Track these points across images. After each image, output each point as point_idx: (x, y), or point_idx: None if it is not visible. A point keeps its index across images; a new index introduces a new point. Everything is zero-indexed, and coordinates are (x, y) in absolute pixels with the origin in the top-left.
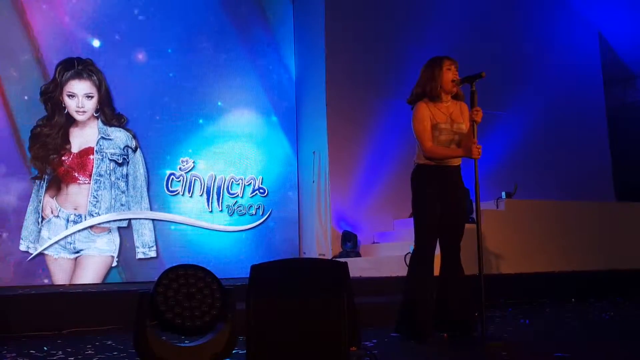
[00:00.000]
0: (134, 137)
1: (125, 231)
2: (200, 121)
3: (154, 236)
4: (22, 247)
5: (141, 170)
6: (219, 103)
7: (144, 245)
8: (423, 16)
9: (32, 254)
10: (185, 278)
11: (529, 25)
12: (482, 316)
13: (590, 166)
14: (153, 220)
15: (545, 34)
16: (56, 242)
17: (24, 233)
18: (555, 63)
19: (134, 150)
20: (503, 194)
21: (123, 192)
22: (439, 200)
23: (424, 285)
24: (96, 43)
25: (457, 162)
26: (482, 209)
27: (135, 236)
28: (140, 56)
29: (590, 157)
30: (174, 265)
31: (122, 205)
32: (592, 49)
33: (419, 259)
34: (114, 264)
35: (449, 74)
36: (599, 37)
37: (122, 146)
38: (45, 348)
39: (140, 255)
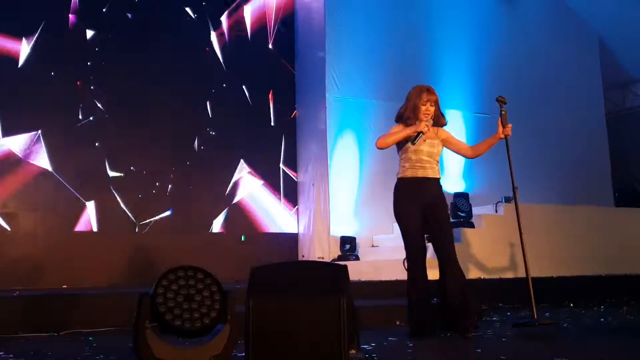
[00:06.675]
0: None
1: None
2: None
3: None
4: None
5: None
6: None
7: None
8: (426, 26)
9: None
10: (185, 279)
11: (528, 29)
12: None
13: (590, 171)
14: None
15: (544, 38)
16: None
17: None
18: (555, 67)
19: None
20: (503, 198)
21: None
22: (419, 210)
23: (419, 287)
24: None
25: (436, 174)
26: (481, 213)
27: None
28: None
29: (590, 162)
30: (174, 266)
31: None
32: (591, 54)
33: (411, 264)
34: None
35: (423, 109)
36: (598, 42)
37: None
38: (42, 350)
39: None
